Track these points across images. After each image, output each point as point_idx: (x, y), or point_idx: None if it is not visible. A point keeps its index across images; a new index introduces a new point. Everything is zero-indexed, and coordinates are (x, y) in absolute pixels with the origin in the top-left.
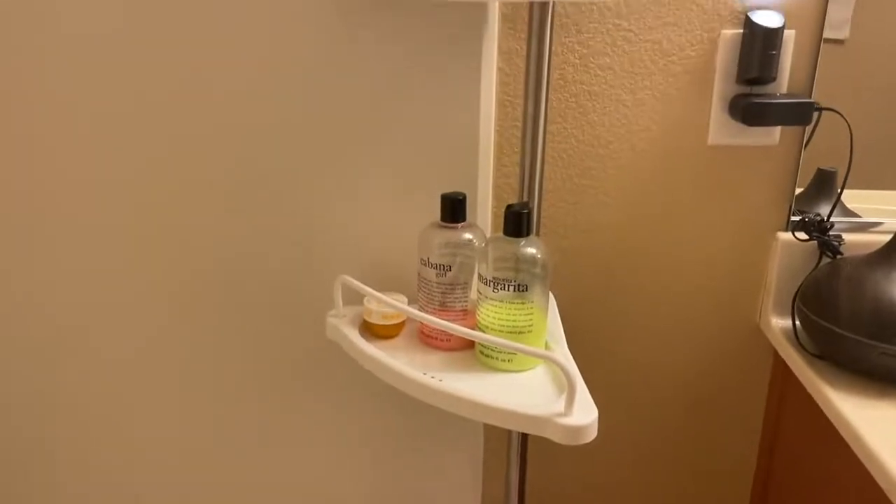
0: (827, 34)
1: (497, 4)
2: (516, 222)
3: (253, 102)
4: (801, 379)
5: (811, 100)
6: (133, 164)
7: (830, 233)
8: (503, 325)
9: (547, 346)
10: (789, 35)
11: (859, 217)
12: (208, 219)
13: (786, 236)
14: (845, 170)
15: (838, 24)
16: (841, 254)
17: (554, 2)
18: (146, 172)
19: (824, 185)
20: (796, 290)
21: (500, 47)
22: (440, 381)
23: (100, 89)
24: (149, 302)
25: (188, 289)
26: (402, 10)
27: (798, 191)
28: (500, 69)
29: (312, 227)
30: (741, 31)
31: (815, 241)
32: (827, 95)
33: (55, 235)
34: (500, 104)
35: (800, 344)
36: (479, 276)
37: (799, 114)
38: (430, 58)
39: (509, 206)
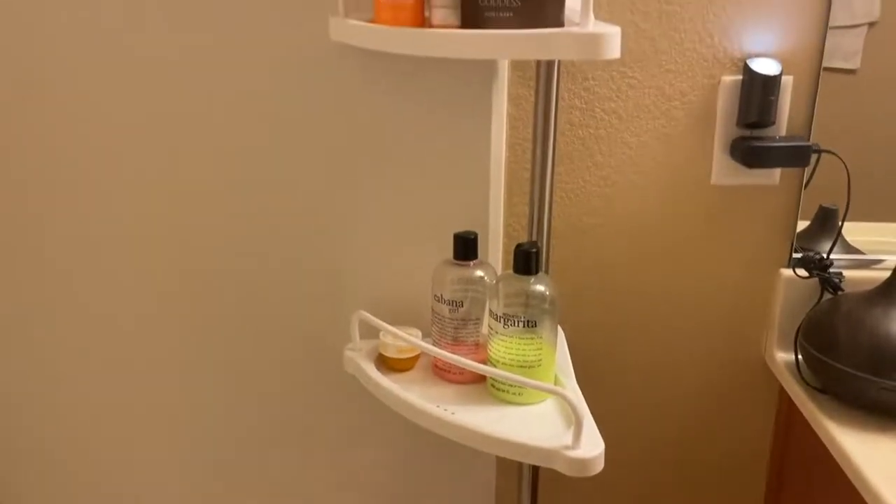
0: (838, 64)
1: None
2: (525, 261)
3: (279, 149)
4: (804, 413)
5: (809, 143)
6: (164, 199)
7: (832, 269)
8: (513, 360)
9: (556, 380)
10: (787, 81)
11: (862, 253)
12: (233, 255)
13: (788, 273)
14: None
15: (849, 54)
16: (842, 290)
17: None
18: (176, 209)
19: (827, 221)
20: (799, 325)
21: (509, 94)
22: (453, 413)
23: (128, 150)
24: (171, 335)
25: (211, 322)
26: (418, 60)
27: (803, 226)
28: (510, 114)
29: (333, 264)
30: (741, 77)
31: (816, 278)
32: (839, 125)
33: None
34: (511, 147)
35: (802, 378)
36: (490, 312)
37: (797, 156)
38: (444, 104)
39: (519, 245)
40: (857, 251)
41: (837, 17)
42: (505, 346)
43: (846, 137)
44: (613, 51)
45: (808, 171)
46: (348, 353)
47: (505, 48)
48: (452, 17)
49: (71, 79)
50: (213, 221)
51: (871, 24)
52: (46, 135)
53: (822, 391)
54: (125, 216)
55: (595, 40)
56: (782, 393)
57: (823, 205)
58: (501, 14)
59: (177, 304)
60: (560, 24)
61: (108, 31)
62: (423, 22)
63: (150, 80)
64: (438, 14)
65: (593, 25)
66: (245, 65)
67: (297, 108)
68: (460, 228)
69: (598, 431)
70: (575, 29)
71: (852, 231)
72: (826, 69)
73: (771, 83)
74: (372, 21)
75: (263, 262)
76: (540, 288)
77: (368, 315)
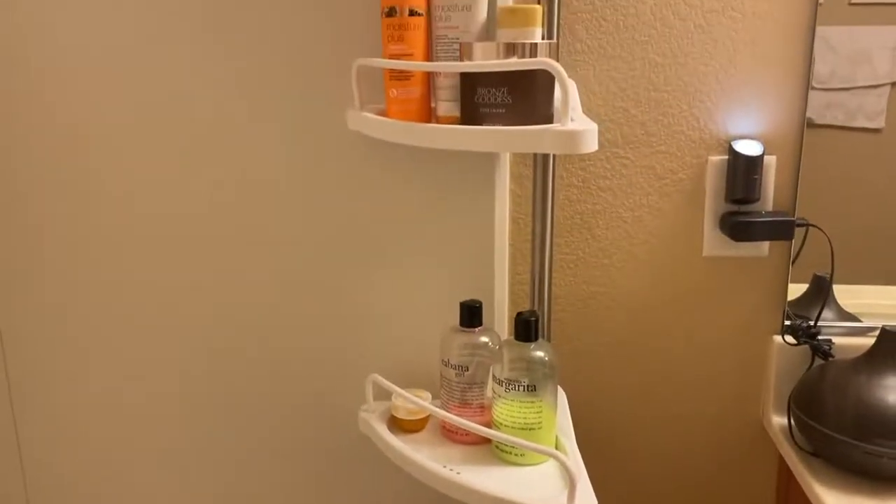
0: (862, 123)
1: None
2: (525, 328)
3: (300, 226)
4: (796, 475)
5: (793, 218)
6: (190, 274)
7: (821, 336)
8: (515, 422)
9: (557, 441)
10: (770, 160)
11: (857, 320)
12: (255, 322)
13: (781, 340)
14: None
15: (873, 114)
16: (832, 356)
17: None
18: (203, 281)
19: (820, 289)
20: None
21: (512, 173)
22: (458, 473)
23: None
24: (191, 389)
25: (232, 380)
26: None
27: (801, 291)
28: (512, 191)
29: (349, 330)
30: (726, 157)
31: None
32: (864, 184)
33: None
34: (514, 221)
35: (795, 442)
36: (493, 376)
37: (781, 230)
38: (452, 183)
39: (519, 314)
40: (853, 317)
41: (859, 78)
42: (507, 409)
43: (871, 195)
44: (591, 145)
45: (798, 241)
46: (363, 415)
47: (497, 142)
48: (455, 109)
49: (103, 163)
50: (238, 291)
51: (895, 84)
52: (86, 221)
53: (814, 454)
54: (156, 288)
55: (574, 136)
56: (781, 456)
57: (817, 273)
58: (495, 110)
59: (202, 366)
60: (548, 117)
61: (143, 130)
62: (430, 113)
63: (178, 163)
64: (443, 106)
65: (573, 123)
66: (269, 149)
67: (318, 189)
68: (467, 297)
69: (592, 492)
70: (557, 127)
71: (856, 294)
72: (850, 129)
73: (754, 163)
74: (384, 113)
75: (285, 330)
76: (539, 354)
77: (381, 378)
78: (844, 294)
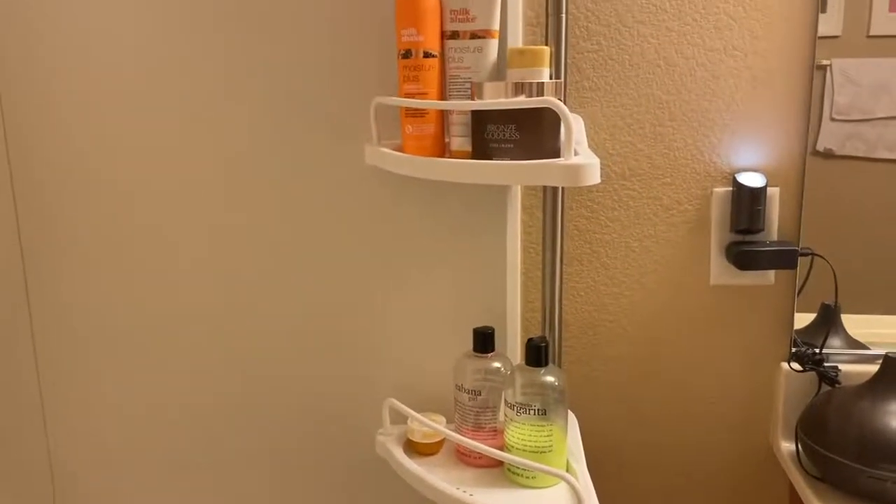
0: (883, 154)
1: None
2: (536, 353)
3: (320, 257)
4: (804, 501)
5: (797, 247)
6: (216, 304)
7: (827, 363)
8: (526, 446)
9: (568, 465)
10: (773, 192)
11: (865, 347)
12: (277, 350)
13: (788, 367)
14: (854, 301)
15: (894, 145)
16: (838, 383)
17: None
18: (227, 312)
19: (828, 317)
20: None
21: (523, 204)
22: (471, 496)
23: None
24: (214, 409)
25: (254, 402)
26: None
27: (809, 319)
28: (523, 221)
29: (366, 355)
30: (731, 189)
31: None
32: (886, 214)
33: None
34: (525, 250)
35: (803, 467)
36: (505, 400)
37: (785, 259)
38: (465, 214)
39: (530, 340)
40: (861, 345)
41: (878, 109)
42: (519, 432)
43: (892, 225)
44: (593, 178)
45: (805, 270)
46: (380, 438)
47: (506, 176)
48: (467, 144)
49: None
50: (261, 316)
51: None
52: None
53: (821, 479)
54: (184, 311)
55: (577, 170)
56: (791, 481)
57: (825, 302)
58: (504, 146)
59: (226, 388)
60: (555, 151)
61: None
62: (444, 148)
63: (206, 190)
64: (456, 142)
65: (576, 157)
66: (291, 180)
67: (337, 220)
68: (481, 324)
69: None
70: (561, 161)
71: (869, 324)
72: (871, 160)
73: (757, 194)
74: (400, 149)
75: (305, 356)
76: (550, 379)
77: (398, 403)
78: (860, 323)
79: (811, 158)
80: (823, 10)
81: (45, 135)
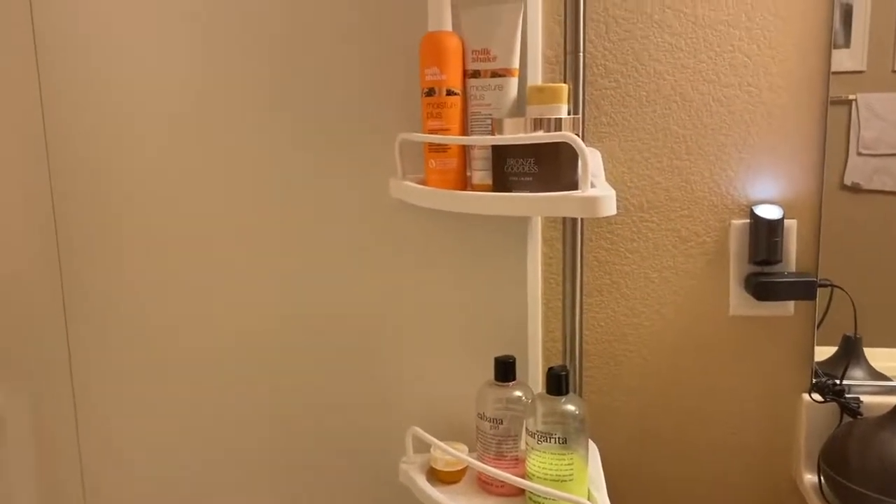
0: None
1: None
2: (557, 382)
3: (346, 288)
4: None
5: (815, 278)
6: (244, 335)
7: (849, 395)
8: (547, 474)
9: (589, 494)
10: (791, 224)
11: (888, 379)
12: (305, 378)
13: (809, 398)
14: (878, 334)
15: None
16: (860, 414)
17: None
18: (256, 343)
19: (849, 349)
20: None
21: (543, 236)
22: None
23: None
24: (240, 436)
25: (279, 428)
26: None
27: (831, 352)
28: (543, 253)
29: (389, 384)
30: (748, 221)
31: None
32: None
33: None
34: (546, 280)
35: (825, 499)
36: (527, 429)
37: (804, 290)
38: (487, 246)
39: (550, 368)
40: (883, 377)
41: (880, 146)
42: (540, 461)
43: None
44: (609, 209)
45: (825, 301)
46: (403, 466)
47: (524, 208)
48: (488, 177)
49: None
50: (286, 346)
51: None
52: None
53: None
54: (213, 341)
55: (593, 202)
56: None
57: (846, 333)
58: (523, 179)
59: (252, 415)
60: (573, 184)
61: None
62: (466, 181)
63: (238, 221)
64: (477, 175)
65: (593, 189)
66: (319, 214)
67: (363, 251)
68: (503, 353)
69: None
70: (577, 193)
71: (888, 356)
72: (885, 193)
73: (775, 226)
74: (423, 182)
75: (330, 384)
76: (570, 407)
77: (421, 431)
78: (884, 356)
79: (839, 193)
80: (847, 46)
81: (85, 148)
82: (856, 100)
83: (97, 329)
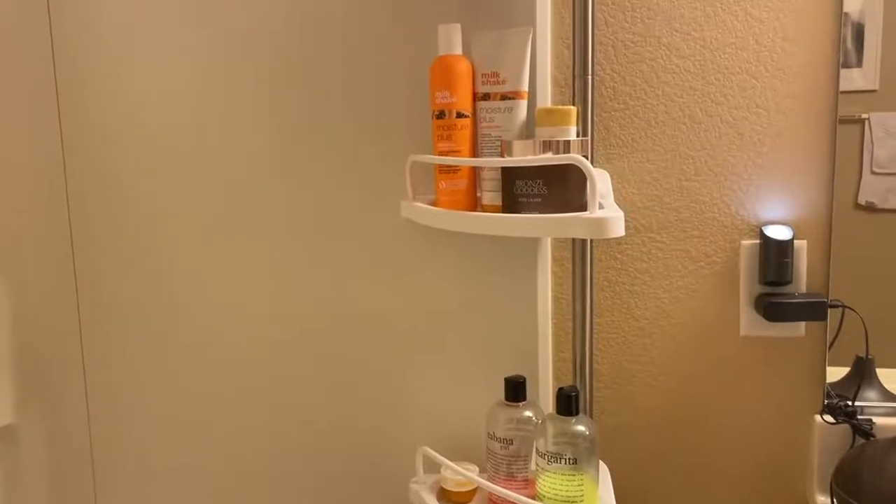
0: None
1: None
2: (567, 403)
3: (357, 308)
4: None
5: (826, 299)
6: (262, 357)
7: (861, 416)
8: (558, 495)
9: None
10: (801, 245)
11: None
12: (314, 391)
13: (821, 419)
14: (890, 354)
15: None
16: (873, 435)
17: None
18: (271, 364)
19: (862, 370)
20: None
21: (553, 255)
22: None
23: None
24: (251, 454)
25: (290, 446)
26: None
27: (843, 373)
28: (553, 272)
29: (400, 403)
30: (758, 241)
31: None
32: None
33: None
34: (556, 300)
35: None
36: (537, 450)
37: (814, 311)
38: (497, 266)
39: (560, 389)
40: None
41: (894, 165)
42: (550, 482)
43: None
44: (617, 230)
45: (836, 322)
46: (413, 486)
47: (533, 229)
48: (498, 198)
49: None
50: (296, 366)
51: None
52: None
53: None
54: (228, 360)
55: (601, 223)
56: None
57: (858, 354)
58: (532, 200)
59: (264, 431)
60: (582, 205)
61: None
62: (476, 202)
63: (251, 245)
64: (487, 196)
65: (601, 211)
66: (331, 235)
67: (373, 271)
68: (513, 373)
69: None
70: (585, 214)
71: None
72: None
73: (784, 247)
74: (434, 203)
75: (342, 402)
76: (581, 428)
77: (431, 451)
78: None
79: (853, 212)
80: (860, 65)
81: (101, 156)
82: (869, 118)
83: (112, 342)
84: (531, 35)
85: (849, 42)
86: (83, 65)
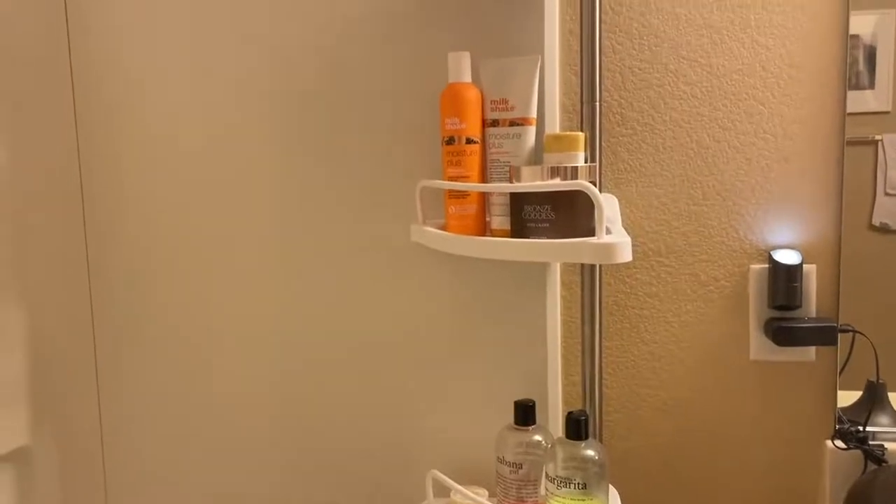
0: None
1: None
2: (576, 427)
3: (366, 331)
4: None
5: (836, 324)
6: (274, 382)
7: (874, 441)
8: None
9: None
10: (810, 269)
11: None
12: (323, 414)
13: (832, 445)
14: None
15: None
16: (885, 461)
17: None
18: (284, 390)
19: (873, 394)
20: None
21: (562, 279)
22: None
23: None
24: (257, 481)
25: (300, 470)
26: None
27: (856, 397)
28: (563, 296)
29: (409, 427)
30: (767, 265)
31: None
32: None
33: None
34: (565, 324)
35: None
36: (546, 474)
37: (824, 336)
38: (506, 290)
39: (569, 413)
40: None
41: None
42: None
43: None
44: (625, 256)
45: (847, 346)
46: None
47: (541, 254)
48: (506, 223)
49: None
50: (307, 389)
51: None
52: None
53: None
54: (240, 385)
55: (608, 248)
56: None
57: (870, 379)
58: (540, 225)
59: (273, 456)
60: (590, 230)
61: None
62: (485, 226)
63: (266, 263)
64: (496, 220)
65: (609, 236)
66: (342, 258)
67: (383, 294)
68: (522, 396)
69: None
70: (593, 240)
71: None
72: None
73: (793, 272)
74: (444, 227)
75: (351, 427)
76: (590, 453)
77: (440, 475)
78: None
79: (867, 233)
80: (872, 87)
81: (117, 175)
82: (882, 140)
83: (125, 364)
84: (539, 62)
85: (861, 64)
86: (102, 91)
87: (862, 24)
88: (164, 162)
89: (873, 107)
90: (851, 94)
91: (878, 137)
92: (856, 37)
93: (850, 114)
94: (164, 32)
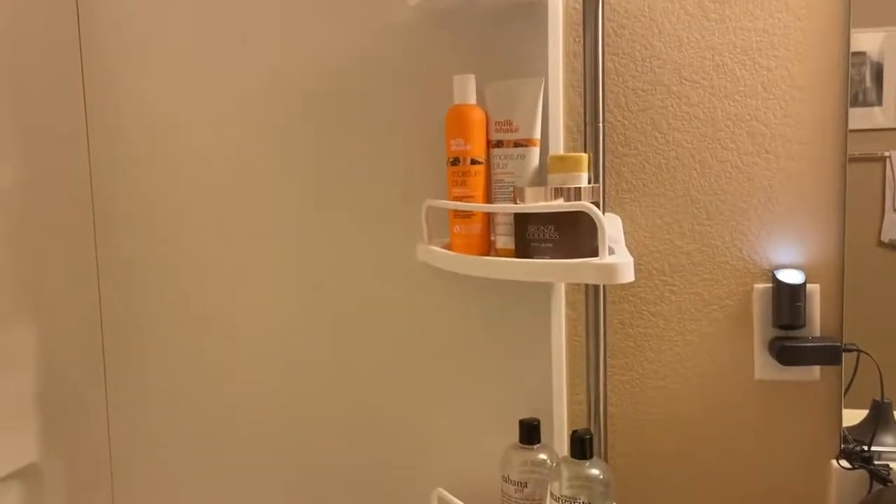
0: None
1: None
2: (581, 446)
3: (373, 351)
4: None
5: (840, 343)
6: (282, 406)
7: (879, 461)
8: None
9: None
10: (813, 289)
11: None
12: (328, 433)
13: (837, 464)
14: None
15: None
16: (890, 481)
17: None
18: (292, 410)
19: (879, 413)
20: None
21: (567, 298)
22: None
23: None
24: (269, 493)
25: (306, 488)
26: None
27: (862, 416)
28: (567, 315)
29: (415, 446)
30: (770, 285)
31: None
32: None
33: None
34: (570, 342)
35: None
36: (551, 493)
37: (828, 355)
38: (511, 309)
39: (574, 432)
40: None
41: None
42: None
43: None
44: (627, 276)
45: (852, 366)
46: None
47: (544, 273)
48: (510, 243)
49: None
50: (312, 408)
51: None
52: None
53: None
54: (257, 403)
55: (611, 269)
56: None
57: (875, 398)
58: (544, 245)
59: (280, 473)
60: (593, 250)
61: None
62: (489, 246)
63: (269, 290)
64: (500, 240)
65: (612, 256)
66: (349, 277)
67: (388, 313)
68: (527, 415)
69: None
70: (595, 260)
71: None
72: None
73: (797, 291)
74: (449, 247)
75: (356, 445)
76: (595, 471)
77: (446, 493)
78: None
79: (876, 250)
80: (880, 104)
81: (127, 192)
82: (890, 157)
83: (135, 381)
84: (543, 84)
85: (868, 81)
86: (114, 114)
87: (869, 41)
88: (176, 181)
89: (881, 123)
90: (859, 111)
91: (886, 154)
92: (863, 53)
93: (857, 130)
94: (177, 38)
